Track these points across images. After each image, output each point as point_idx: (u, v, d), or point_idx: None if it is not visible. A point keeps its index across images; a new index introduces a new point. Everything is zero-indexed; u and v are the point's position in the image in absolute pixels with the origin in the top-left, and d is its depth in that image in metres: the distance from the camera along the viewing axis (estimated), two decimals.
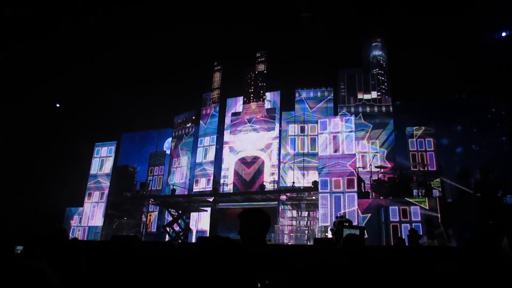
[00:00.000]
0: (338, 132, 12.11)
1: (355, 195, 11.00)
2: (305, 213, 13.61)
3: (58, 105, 19.16)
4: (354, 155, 11.77)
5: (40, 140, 16.17)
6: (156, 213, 16.93)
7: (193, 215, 16.58)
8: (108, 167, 15.79)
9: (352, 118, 12.63)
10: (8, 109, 14.89)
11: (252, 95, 17.09)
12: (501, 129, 14.72)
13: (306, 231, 12.94)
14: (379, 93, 16.30)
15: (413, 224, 9.94)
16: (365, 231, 7.17)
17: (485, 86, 14.48)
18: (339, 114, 15.09)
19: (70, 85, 16.19)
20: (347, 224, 7.33)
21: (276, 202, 14.06)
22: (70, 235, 15.75)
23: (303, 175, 14.73)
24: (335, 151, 11.87)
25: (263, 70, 17.48)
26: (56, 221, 15.38)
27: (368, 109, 16.11)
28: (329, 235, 11.05)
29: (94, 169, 16.01)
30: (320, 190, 11.51)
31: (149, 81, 16.98)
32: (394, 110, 15.91)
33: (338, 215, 10.08)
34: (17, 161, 15.54)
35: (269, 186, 14.92)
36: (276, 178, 15.19)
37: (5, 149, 15.04)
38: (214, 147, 16.89)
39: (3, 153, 14.89)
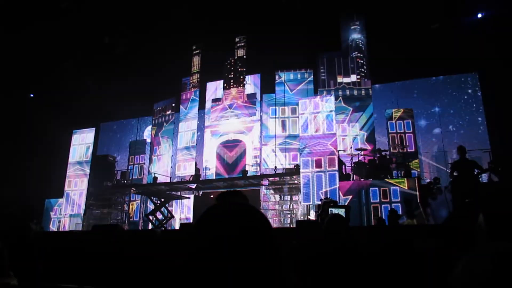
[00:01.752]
0: (319, 112, 12.17)
1: (336, 173, 11.14)
2: (288, 197, 13.73)
3: (32, 95, 18.62)
4: (335, 134, 11.88)
5: (13, 130, 15.70)
6: (138, 202, 16.78)
7: (176, 203, 16.52)
8: (87, 154, 15.50)
9: (332, 97, 12.72)
10: None
11: (232, 81, 16.93)
12: (477, 109, 15.08)
13: (289, 215, 13.08)
14: (358, 76, 16.39)
15: (393, 204, 10.16)
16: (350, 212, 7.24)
17: (462, 67, 14.75)
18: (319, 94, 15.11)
19: (43, 72, 15.68)
20: (332, 204, 7.41)
21: (259, 187, 14.13)
22: (51, 227, 15.50)
23: (285, 157, 14.77)
24: (316, 131, 11.96)
25: (242, 55, 17.30)
26: (36, 213, 15.08)
27: (348, 93, 16.20)
28: (312, 217, 11.20)
29: (73, 157, 15.70)
30: (302, 170, 11.60)
31: (125, 68, 16.58)
32: (373, 93, 16.06)
33: (322, 198, 10.21)
34: None
35: (251, 169, 14.93)
36: (258, 161, 15.19)
37: None
38: (195, 131, 16.73)
39: None
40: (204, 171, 15.73)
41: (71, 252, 7.17)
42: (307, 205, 12.00)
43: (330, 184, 11.02)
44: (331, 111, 12.15)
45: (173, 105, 17.67)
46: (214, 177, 15.39)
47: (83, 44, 15.44)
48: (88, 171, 15.25)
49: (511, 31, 11.60)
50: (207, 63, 17.94)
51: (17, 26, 13.95)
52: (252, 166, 15.14)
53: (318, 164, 11.39)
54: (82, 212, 14.78)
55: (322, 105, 12.28)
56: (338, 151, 12.16)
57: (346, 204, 10.45)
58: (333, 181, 11.05)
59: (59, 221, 15.42)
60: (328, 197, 10.63)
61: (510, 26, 11.68)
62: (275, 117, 15.59)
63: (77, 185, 15.24)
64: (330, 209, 6.41)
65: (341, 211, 6.28)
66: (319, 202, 10.20)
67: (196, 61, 18.31)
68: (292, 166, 13.55)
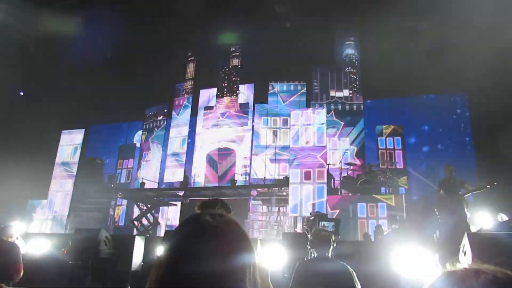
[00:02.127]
0: (310, 124, 12.22)
1: (325, 186, 11.15)
2: (275, 209, 13.69)
3: (22, 94, 18.38)
4: (325, 147, 11.92)
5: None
6: (124, 207, 16.56)
7: (162, 210, 16.34)
8: (75, 155, 15.26)
9: (324, 110, 12.79)
10: None
11: (225, 90, 16.96)
12: (465, 129, 15.28)
13: (276, 227, 13.02)
14: (350, 91, 16.58)
15: (379, 220, 10.18)
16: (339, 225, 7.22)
17: (452, 87, 14.98)
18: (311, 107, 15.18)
19: (34, 73, 15.52)
20: (321, 217, 7.36)
21: (247, 197, 14.07)
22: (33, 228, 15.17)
23: (275, 167, 14.75)
24: (307, 143, 11.99)
25: (237, 64, 17.39)
26: (18, 214, 14.75)
27: (339, 107, 16.35)
28: (299, 230, 11.16)
29: (60, 157, 15.45)
30: (291, 181, 11.59)
31: (118, 71, 16.48)
32: (365, 109, 16.22)
33: (311, 211, 10.18)
34: None
35: (240, 178, 14.89)
36: (248, 171, 15.15)
37: None
38: (186, 138, 16.63)
39: None
40: (193, 178, 15.63)
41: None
42: (294, 217, 11.97)
43: (318, 197, 11.02)
44: (322, 124, 12.22)
45: (165, 110, 17.60)
46: (203, 184, 15.29)
47: (77, 45, 15.32)
48: (74, 173, 15.02)
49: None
50: (201, 70, 17.97)
51: (10, 23, 13.82)
52: (241, 175, 15.10)
53: (307, 176, 11.40)
54: (66, 213, 14.51)
55: (314, 118, 12.34)
56: (328, 164, 12.19)
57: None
58: (321, 193, 11.05)
59: (42, 223, 15.12)
60: (316, 209, 10.63)
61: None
62: (267, 127, 15.60)
63: (62, 186, 14.99)
64: (320, 222, 6.39)
65: (331, 225, 6.27)
66: (308, 215, 10.19)
67: (190, 67, 18.34)
68: (281, 177, 13.54)
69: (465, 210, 7.86)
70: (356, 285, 3.47)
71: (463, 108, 15.79)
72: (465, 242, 4.72)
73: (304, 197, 11.17)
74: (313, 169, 11.46)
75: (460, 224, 7.28)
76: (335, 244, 3.76)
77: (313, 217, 7.09)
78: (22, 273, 2.26)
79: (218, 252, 0.86)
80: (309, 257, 3.86)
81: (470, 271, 0.89)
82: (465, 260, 4.48)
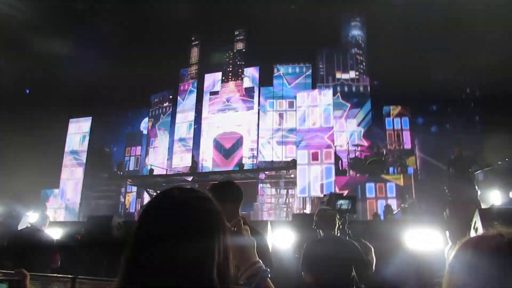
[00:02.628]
0: (316, 106, 12.14)
1: (332, 167, 11.14)
2: (284, 191, 13.75)
3: (28, 91, 18.42)
4: (332, 127, 11.87)
5: (9, 120, 15.57)
6: (134, 193, 16.74)
7: None
8: (83, 143, 15.36)
9: (330, 91, 12.68)
10: None
11: (230, 74, 16.87)
12: (474, 108, 15.12)
13: (285, 208, 13.10)
14: (357, 73, 16.42)
15: (388, 200, 10.19)
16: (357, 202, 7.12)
17: (460, 67, 14.77)
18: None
19: (39, 63, 15.53)
20: (338, 196, 7.29)
21: (255, 180, 14.12)
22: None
23: (282, 150, 14.73)
24: (313, 124, 11.94)
25: (241, 48, 17.24)
26: (31, 204, 14.98)
27: (346, 89, 16.23)
28: (307, 211, 11.22)
29: (69, 146, 15.56)
30: (298, 163, 11.59)
31: (123, 58, 16.45)
32: (371, 90, 16.07)
33: (324, 195, 10.15)
34: None
35: (248, 161, 14.93)
36: (255, 153, 15.17)
37: None
38: (192, 123, 16.64)
39: None
40: (200, 163, 15.72)
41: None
42: (303, 199, 12.02)
43: (327, 177, 11.02)
44: (328, 104, 12.11)
45: (170, 97, 17.57)
46: (211, 169, 15.38)
47: (80, 32, 15.28)
48: (84, 161, 15.13)
49: None
50: (205, 55, 17.86)
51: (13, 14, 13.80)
52: (248, 158, 15.13)
53: (315, 157, 11.37)
54: (78, 201, 14.70)
55: (320, 99, 12.24)
56: (335, 146, 12.16)
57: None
58: (329, 174, 11.04)
59: (55, 212, 15.36)
60: (324, 189, 10.68)
61: None
62: (273, 110, 15.52)
63: (73, 174, 15.14)
64: (337, 201, 6.35)
65: (347, 202, 6.23)
66: (321, 195, 10.28)
67: (194, 52, 18.24)
68: (288, 159, 13.57)
69: (475, 187, 7.84)
70: (369, 259, 3.50)
71: (472, 88, 15.60)
72: (476, 219, 4.72)
73: (312, 178, 11.17)
74: (321, 150, 11.43)
75: (471, 202, 7.27)
76: (340, 223, 3.79)
77: (328, 197, 7.09)
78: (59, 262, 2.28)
79: (182, 226, 0.85)
80: (318, 237, 3.89)
81: (484, 236, 0.93)
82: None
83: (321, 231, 3.75)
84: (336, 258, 3.36)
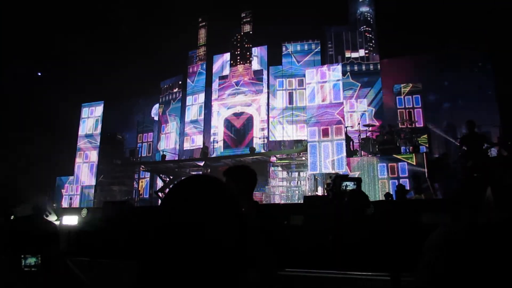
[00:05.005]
0: (325, 81, 12.03)
1: (343, 142, 11.10)
2: (295, 174, 13.80)
3: (39, 74, 18.63)
4: (342, 103, 11.78)
5: (21, 109, 15.80)
6: (148, 179, 16.99)
7: None
8: (97, 127, 15.56)
9: (339, 66, 12.51)
10: None
11: (238, 57, 16.75)
12: (487, 83, 14.79)
13: (297, 190, 13.18)
14: (366, 51, 16.14)
15: (400, 180, 10.15)
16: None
17: (471, 41, 14.40)
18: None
19: (50, 52, 15.64)
20: (343, 178, 7.34)
21: (267, 161, 14.18)
22: (63, 203, 15.81)
23: (292, 129, 14.72)
24: (323, 100, 11.86)
25: (249, 31, 17.05)
26: (47, 191, 15.34)
27: (356, 68, 16.00)
28: (319, 192, 11.27)
29: (83, 130, 15.79)
30: (308, 139, 11.57)
31: (131, 45, 16.46)
32: (382, 68, 15.82)
33: (331, 176, 10.17)
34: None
35: (259, 141, 14.99)
36: (266, 134, 15.20)
37: None
38: (202, 104, 16.71)
39: None
40: (212, 144, 15.83)
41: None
42: (314, 181, 12.04)
43: (337, 153, 10.99)
44: (338, 80, 11.97)
45: (180, 82, 17.59)
46: (222, 150, 15.52)
47: (90, 21, 15.29)
48: (98, 143, 15.30)
49: None
50: (213, 35, 17.75)
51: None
52: (259, 138, 15.17)
53: (325, 133, 11.32)
54: (93, 183, 14.92)
55: (329, 75, 12.10)
56: (346, 127, 12.08)
57: None
58: (340, 150, 11.00)
59: (71, 198, 15.70)
60: (335, 166, 10.69)
61: None
62: (282, 89, 15.45)
63: (87, 157, 15.35)
64: (342, 182, 6.39)
65: (352, 183, 6.28)
66: (329, 179, 10.28)
67: (202, 33, 18.13)
68: (299, 138, 13.58)
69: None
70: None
71: (484, 61, 15.23)
72: (489, 194, 4.70)
73: (323, 154, 11.15)
74: (331, 126, 11.37)
75: (484, 178, 7.21)
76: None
77: (333, 179, 7.10)
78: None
79: (203, 213, 0.89)
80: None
81: None
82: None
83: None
84: None
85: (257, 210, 2.44)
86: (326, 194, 7.02)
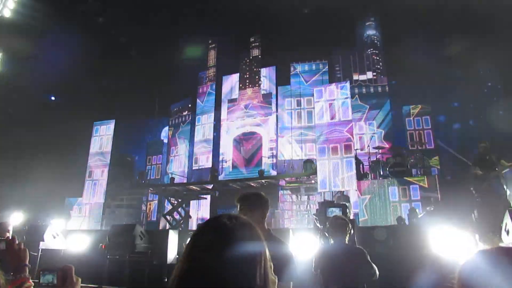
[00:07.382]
0: (334, 100, 12.01)
1: (353, 160, 10.97)
2: (305, 197, 13.62)
3: (53, 98, 18.93)
4: (351, 121, 11.70)
5: (33, 129, 16.00)
6: (156, 202, 16.92)
7: (193, 203, 16.57)
8: (108, 145, 15.51)
9: (347, 84, 12.49)
10: None
11: (247, 81, 16.94)
12: (497, 103, 14.65)
13: (306, 215, 12.98)
14: (374, 73, 16.21)
15: (412, 203, 9.94)
16: (348, 209, 7.04)
17: (481, 61, 14.38)
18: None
19: (58, 74, 15.93)
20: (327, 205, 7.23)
21: (276, 185, 14.06)
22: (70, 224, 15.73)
23: (302, 148, 14.68)
24: (332, 118, 11.81)
25: (257, 55, 17.31)
26: (55, 212, 15.29)
27: (364, 90, 16.03)
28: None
29: (94, 147, 15.75)
30: (318, 158, 11.48)
31: (140, 66, 16.75)
32: (390, 90, 15.83)
33: (319, 203, 10.02)
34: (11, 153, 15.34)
35: (267, 161, 14.97)
36: (275, 153, 15.17)
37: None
38: (212, 124, 16.79)
39: None
40: (220, 163, 15.82)
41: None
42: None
43: (347, 171, 10.85)
44: (346, 98, 11.97)
45: (190, 105, 17.78)
46: (230, 169, 15.50)
47: (101, 43, 15.65)
48: (108, 161, 15.19)
49: None
50: (222, 57, 18.10)
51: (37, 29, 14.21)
52: (268, 158, 15.13)
53: (334, 151, 11.24)
54: (102, 200, 14.75)
55: (337, 92, 12.11)
56: (356, 149, 11.97)
57: (364, 203, 10.31)
58: (349, 167, 10.87)
59: (78, 220, 15.61)
60: (345, 184, 10.55)
61: None
62: (291, 109, 15.53)
63: (97, 175, 15.26)
64: (327, 209, 6.35)
65: (338, 210, 6.24)
66: (343, 190, 10.24)
67: (212, 55, 18.49)
68: (308, 158, 13.50)
69: (504, 186, 7.55)
70: (371, 265, 3.63)
71: (494, 81, 15.15)
72: (507, 220, 4.54)
73: (332, 172, 11.01)
74: (340, 143, 11.27)
75: (500, 202, 7.02)
76: (352, 232, 3.94)
77: (320, 205, 7.07)
78: None
79: (231, 249, 0.97)
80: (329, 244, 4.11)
81: (504, 249, 0.94)
82: (508, 239, 4.31)
83: (331, 239, 3.91)
84: (344, 262, 3.56)
85: (270, 239, 2.39)
86: (314, 220, 6.85)
